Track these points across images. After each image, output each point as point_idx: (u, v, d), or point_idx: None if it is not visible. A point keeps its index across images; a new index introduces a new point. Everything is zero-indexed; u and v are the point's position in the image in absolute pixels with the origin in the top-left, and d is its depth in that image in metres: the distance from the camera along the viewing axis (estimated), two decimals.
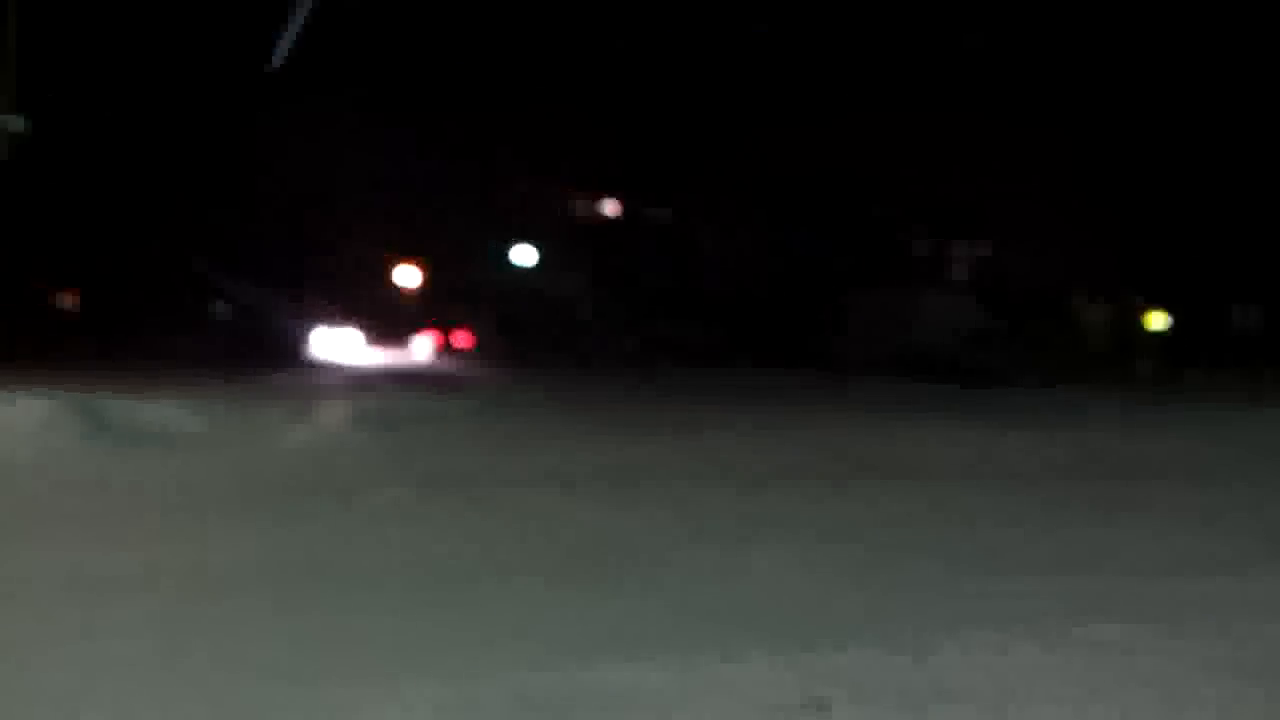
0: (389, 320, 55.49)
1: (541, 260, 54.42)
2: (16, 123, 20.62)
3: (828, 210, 44.56)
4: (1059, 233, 40.33)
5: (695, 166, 47.46)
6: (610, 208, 55.08)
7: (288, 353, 40.13)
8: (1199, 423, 19.29)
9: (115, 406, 14.59)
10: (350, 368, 36.11)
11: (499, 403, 21.15)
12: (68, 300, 45.21)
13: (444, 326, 56.43)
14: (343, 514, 9.42)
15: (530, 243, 55.23)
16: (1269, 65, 34.12)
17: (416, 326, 56.54)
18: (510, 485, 11.11)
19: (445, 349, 54.26)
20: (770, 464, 13.26)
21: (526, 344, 49.17)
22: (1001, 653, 5.54)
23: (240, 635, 5.71)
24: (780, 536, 8.57)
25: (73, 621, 5.87)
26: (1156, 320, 41.45)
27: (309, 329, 46.51)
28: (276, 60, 18.32)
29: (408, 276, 57.18)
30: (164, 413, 14.92)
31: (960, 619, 6.15)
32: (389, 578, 7.07)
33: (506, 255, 55.83)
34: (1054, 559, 7.92)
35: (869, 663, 5.36)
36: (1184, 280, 39.09)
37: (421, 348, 53.18)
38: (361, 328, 52.91)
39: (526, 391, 24.79)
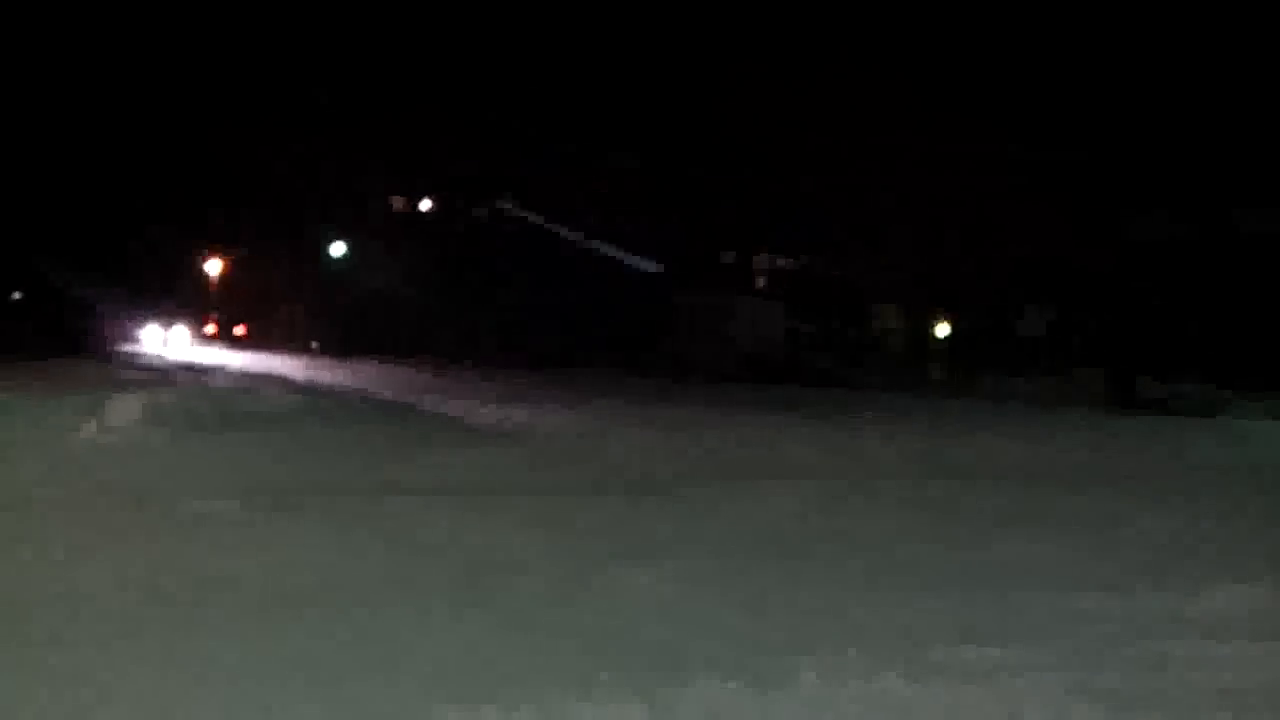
0: (197, 313, 53.66)
1: (365, 256, 53.20)
2: None
3: (652, 223, 45.50)
4: (859, 244, 41.97)
5: (552, 172, 47.18)
6: (440, 205, 54.32)
7: (91, 343, 38.31)
8: (1024, 424, 20.15)
9: None
10: (156, 359, 34.57)
11: (323, 403, 20.03)
12: None
13: (232, 319, 55.03)
14: (145, 527, 8.57)
15: (357, 239, 54.03)
16: (1054, 68, 35.44)
17: (217, 320, 54.96)
18: (337, 496, 10.31)
19: (228, 340, 52.92)
20: (624, 472, 12.91)
21: (354, 341, 48.04)
22: (864, 680, 5.28)
23: None
24: (645, 553, 8.09)
25: None
26: (944, 327, 43.16)
27: (117, 320, 44.64)
28: None
29: (215, 268, 55.33)
30: None
31: (826, 642, 5.88)
32: (189, 603, 6.39)
33: (331, 251, 54.54)
34: (923, 569, 7.74)
35: (727, 695, 5.06)
36: (972, 287, 40.54)
37: (207, 337, 51.74)
38: (172, 319, 51.07)
39: (351, 392, 23.76)
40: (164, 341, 48.54)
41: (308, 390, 23.13)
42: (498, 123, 44.94)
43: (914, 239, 38.82)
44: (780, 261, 47.94)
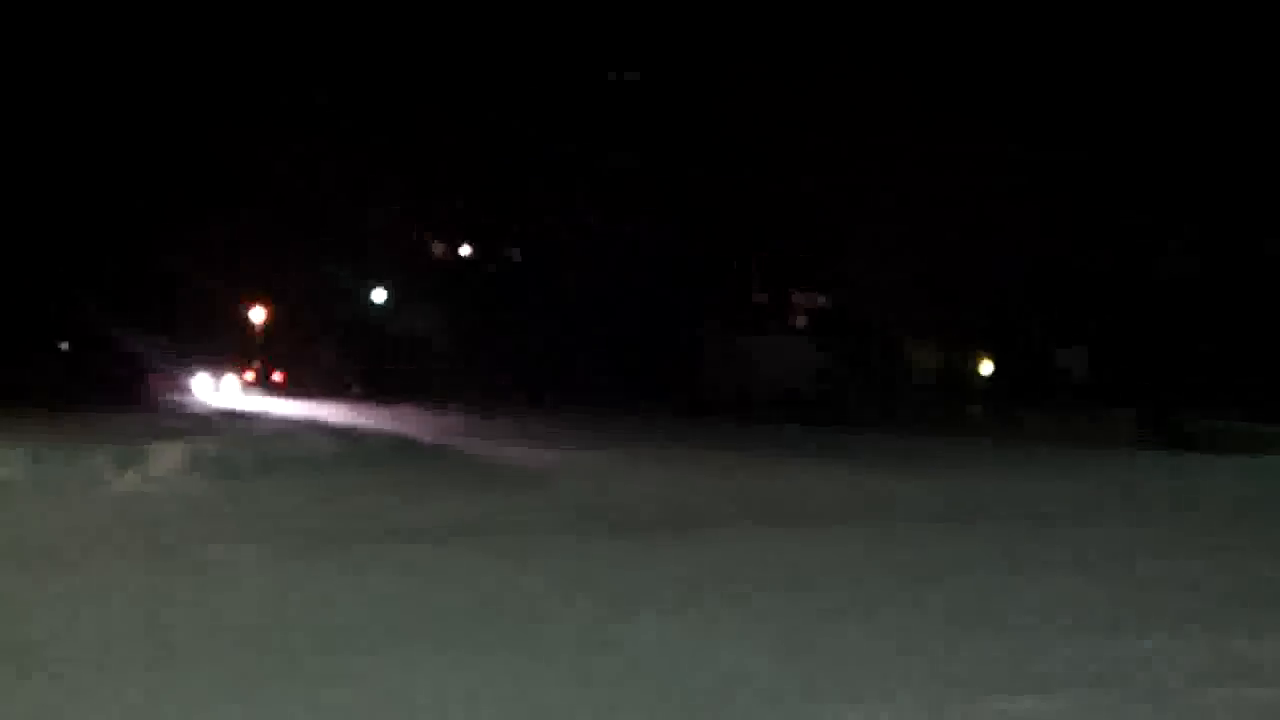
0: (242, 361, 54.22)
1: (402, 301, 53.73)
2: None
3: (683, 262, 45.90)
4: (891, 282, 41.98)
5: (562, 214, 47.69)
6: (468, 250, 54.86)
7: (140, 393, 38.74)
8: (1069, 467, 19.92)
9: None
10: (201, 407, 34.97)
11: (361, 448, 20.21)
12: None
13: (271, 365, 55.53)
14: (173, 576, 8.61)
15: (394, 284, 54.56)
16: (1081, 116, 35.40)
17: (257, 367, 55.52)
18: (370, 541, 10.37)
19: (267, 386, 53.37)
20: (650, 510, 12.87)
21: (386, 384, 48.43)
22: None
23: None
24: (676, 598, 7.91)
25: None
26: (984, 365, 42.80)
27: (160, 368, 45.12)
28: None
29: (257, 315, 55.99)
30: None
31: (866, 690, 5.70)
32: (205, 654, 6.34)
33: (370, 296, 55.06)
34: (959, 615, 7.52)
35: None
36: (1010, 325, 40.36)
37: (247, 385, 52.21)
38: (221, 368, 51.67)
39: (388, 436, 23.95)
40: (214, 389, 49.09)
41: (346, 435, 23.28)
42: (522, 148, 45.55)
43: (946, 268, 38.87)
44: (811, 298, 48.09)
